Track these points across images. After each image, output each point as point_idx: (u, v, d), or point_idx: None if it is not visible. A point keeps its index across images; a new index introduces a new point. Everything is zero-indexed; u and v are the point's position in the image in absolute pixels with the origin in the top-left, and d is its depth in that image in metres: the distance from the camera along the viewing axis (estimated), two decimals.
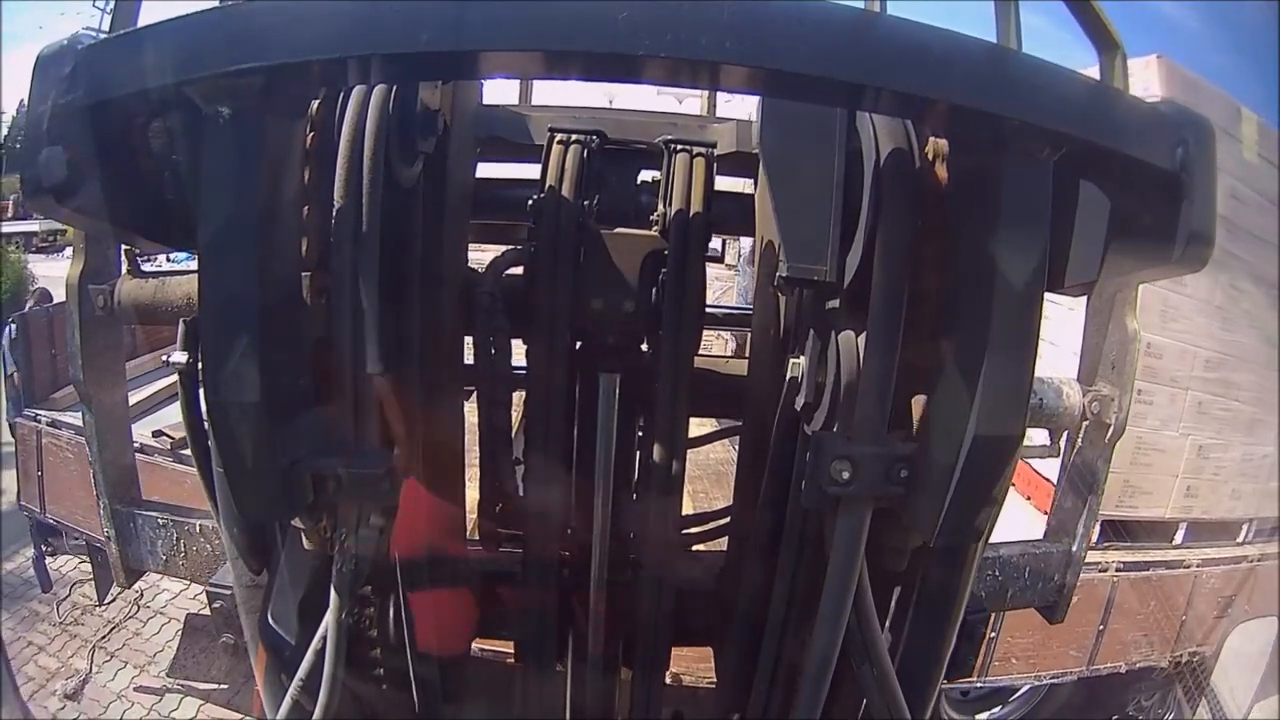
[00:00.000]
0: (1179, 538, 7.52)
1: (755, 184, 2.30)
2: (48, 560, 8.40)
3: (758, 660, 2.24)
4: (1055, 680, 7.18)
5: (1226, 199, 7.16)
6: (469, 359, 2.45)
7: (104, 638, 8.63)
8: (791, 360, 1.92)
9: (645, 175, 2.51)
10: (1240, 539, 7.60)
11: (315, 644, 1.94)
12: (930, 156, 1.73)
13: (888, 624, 2.02)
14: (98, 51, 1.48)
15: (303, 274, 1.77)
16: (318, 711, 1.94)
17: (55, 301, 10.64)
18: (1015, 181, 1.50)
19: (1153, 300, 7.04)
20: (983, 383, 1.53)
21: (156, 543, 2.59)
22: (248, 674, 7.48)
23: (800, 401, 1.87)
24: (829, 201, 1.78)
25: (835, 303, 1.86)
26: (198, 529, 2.58)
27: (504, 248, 2.42)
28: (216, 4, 1.92)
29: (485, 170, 2.67)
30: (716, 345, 8.28)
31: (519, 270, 2.30)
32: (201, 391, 1.74)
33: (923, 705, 2.03)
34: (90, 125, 1.50)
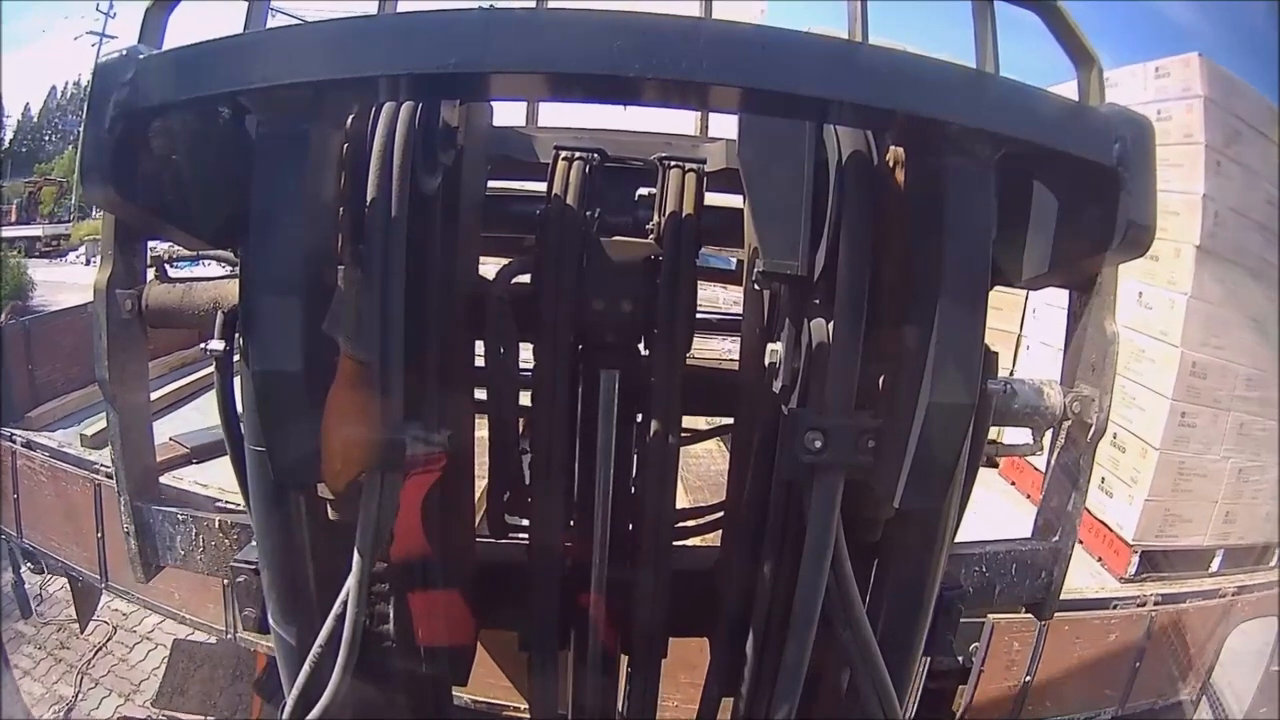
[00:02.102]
0: (1215, 564, 7.74)
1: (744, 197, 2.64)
2: (39, 577, 8.62)
3: (748, 641, 2.55)
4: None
5: (1262, 205, 7.40)
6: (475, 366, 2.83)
7: (89, 663, 8.89)
8: (769, 347, 2.27)
9: (642, 190, 2.92)
10: (1273, 563, 7.81)
11: (336, 609, 2.26)
12: (890, 163, 2.11)
13: (867, 598, 2.36)
14: (159, 61, 1.89)
15: (338, 267, 2.15)
16: (334, 676, 2.27)
17: (33, 315, 10.91)
18: (961, 180, 1.88)
19: (1196, 315, 7.33)
20: (936, 356, 1.89)
21: (175, 538, 2.84)
22: (234, 704, 7.80)
23: (778, 384, 2.23)
24: (800, 205, 2.13)
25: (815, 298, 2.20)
26: (216, 524, 2.83)
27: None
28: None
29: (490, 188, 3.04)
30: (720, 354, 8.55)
31: (526, 278, 2.65)
32: (236, 376, 2.18)
33: (904, 674, 2.37)
34: (147, 125, 1.93)
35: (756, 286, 2.43)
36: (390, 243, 2.05)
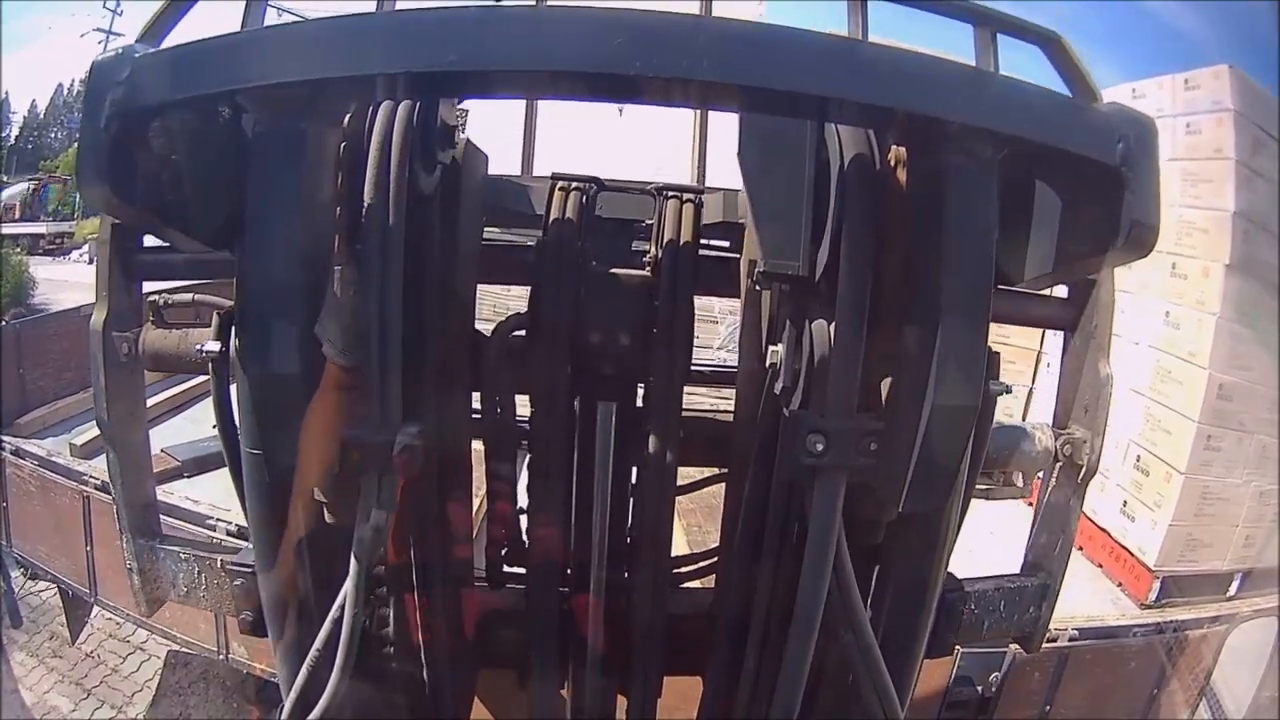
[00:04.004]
0: (1234, 588, 7.80)
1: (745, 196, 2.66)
2: (31, 582, 8.69)
3: (745, 654, 2.59)
4: None
5: None
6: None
7: (83, 674, 8.92)
8: (770, 349, 2.31)
9: (640, 220, 2.98)
10: None
11: (333, 614, 2.30)
12: (892, 162, 2.14)
13: (869, 601, 2.40)
14: (155, 60, 1.93)
15: (335, 267, 2.18)
16: (332, 679, 2.30)
17: (29, 317, 10.87)
18: (963, 179, 1.92)
19: (1224, 336, 7.41)
20: (939, 358, 1.93)
21: (178, 575, 2.89)
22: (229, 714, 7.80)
23: (779, 387, 2.26)
24: (801, 205, 2.16)
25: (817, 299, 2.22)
26: (218, 564, 2.85)
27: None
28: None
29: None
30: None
31: (522, 333, 2.70)
32: (232, 377, 2.23)
33: (905, 676, 2.42)
34: (144, 125, 1.95)
35: (757, 287, 2.46)
36: (388, 241, 2.09)
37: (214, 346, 2.30)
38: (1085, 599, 7.51)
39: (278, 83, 1.83)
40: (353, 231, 2.15)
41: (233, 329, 2.18)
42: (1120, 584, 8.05)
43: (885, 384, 2.16)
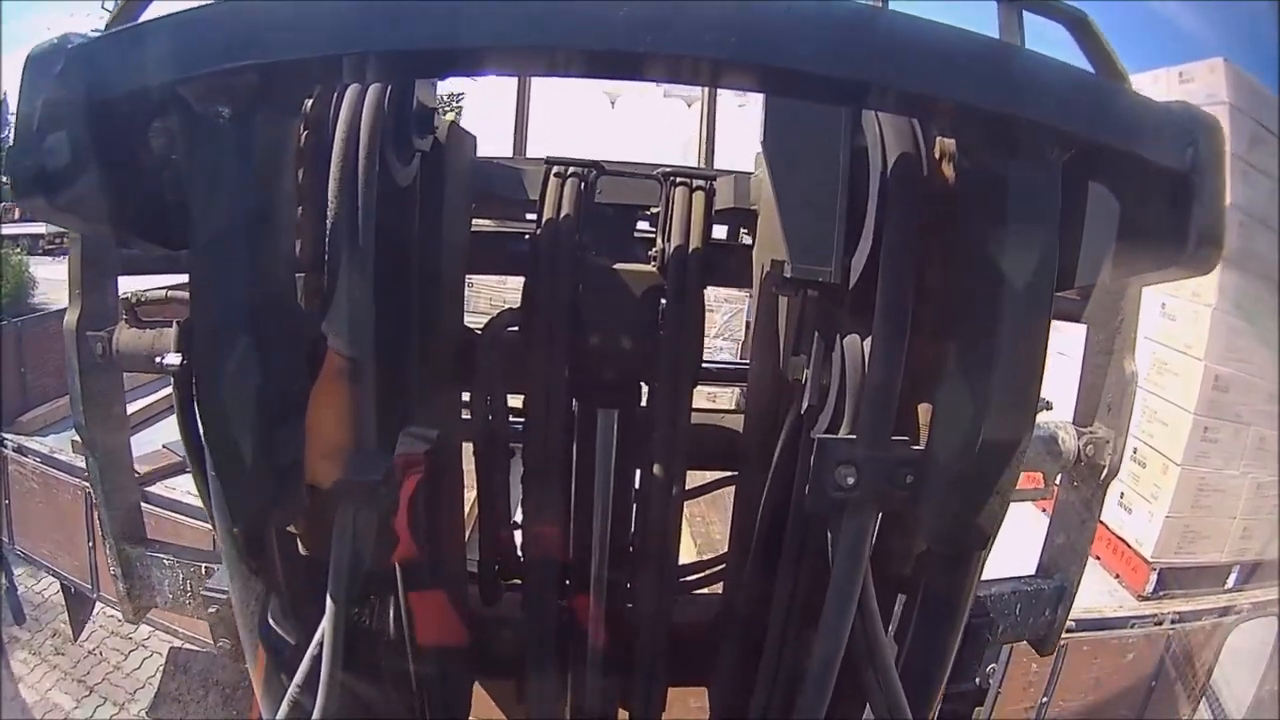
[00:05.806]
0: (1231, 580, 7.72)
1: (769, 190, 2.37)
2: (34, 580, 8.61)
3: (754, 686, 2.37)
4: None
5: None
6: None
7: (86, 671, 8.83)
8: (792, 359, 2.06)
9: (643, 205, 2.67)
10: None
11: (312, 650, 2.04)
12: (938, 156, 1.84)
13: (892, 629, 2.15)
14: (88, 50, 1.59)
15: (298, 275, 1.90)
16: (315, 716, 2.04)
17: (29, 315, 10.75)
18: (1023, 182, 1.62)
19: (1220, 328, 7.30)
20: (991, 387, 1.65)
21: (164, 582, 2.75)
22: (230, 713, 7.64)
23: (804, 405, 1.99)
24: (834, 202, 1.89)
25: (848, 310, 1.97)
26: (204, 570, 2.70)
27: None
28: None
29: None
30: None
31: (516, 329, 2.43)
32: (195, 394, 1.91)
33: (926, 709, 2.17)
34: (81, 123, 1.60)
35: (775, 290, 2.19)
36: (356, 253, 1.84)
37: (175, 360, 1.94)
38: (1082, 590, 7.25)
39: (225, 69, 1.51)
40: (318, 235, 1.87)
41: None
42: (1118, 575, 7.95)
43: (922, 407, 1.89)
